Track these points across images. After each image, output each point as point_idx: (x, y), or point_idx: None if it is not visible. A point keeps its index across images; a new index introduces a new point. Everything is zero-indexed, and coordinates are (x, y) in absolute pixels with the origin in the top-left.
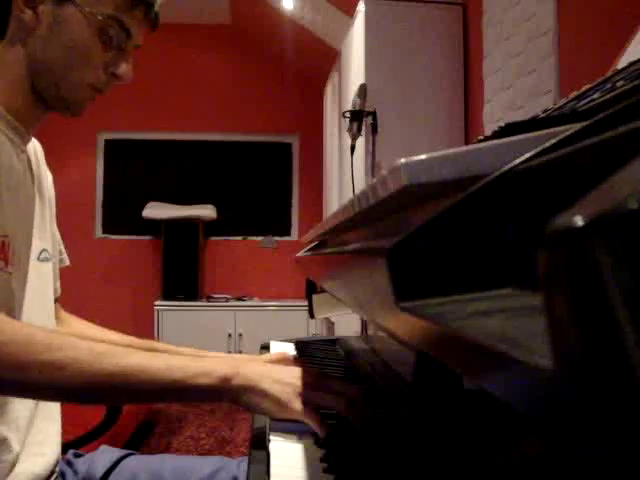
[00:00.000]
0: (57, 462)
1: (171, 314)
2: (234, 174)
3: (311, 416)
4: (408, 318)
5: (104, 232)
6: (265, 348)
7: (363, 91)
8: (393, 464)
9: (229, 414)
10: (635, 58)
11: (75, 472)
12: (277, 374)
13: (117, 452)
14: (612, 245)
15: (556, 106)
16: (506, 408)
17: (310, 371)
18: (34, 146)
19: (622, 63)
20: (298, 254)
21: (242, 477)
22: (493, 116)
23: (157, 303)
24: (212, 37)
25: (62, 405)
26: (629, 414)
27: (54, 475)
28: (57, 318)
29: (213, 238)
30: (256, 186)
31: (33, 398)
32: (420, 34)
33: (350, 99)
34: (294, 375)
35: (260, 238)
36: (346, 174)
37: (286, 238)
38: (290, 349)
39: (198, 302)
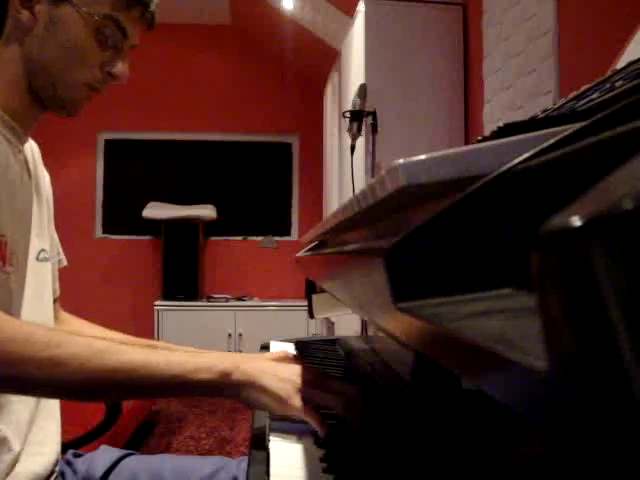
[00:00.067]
0: (57, 462)
1: (171, 314)
2: (234, 174)
3: (311, 414)
4: (406, 318)
5: (104, 232)
6: (265, 348)
7: (363, 91)
8: (393, 464)
9: (229, 414)
10: (635, 58)
11: (75, 472)
12: (277, 371)
13: (117, 452)
14: (606, 246)
15: (555, 106)
16: (504, 408)
17: (310, 369)
18: (31, 146)
19: (622, 63)
20: (298, 254)
21: (242, 477)
22: (493, 116)
23: (157, 303)
24: (212, 37)
25: (61, 404)
26: (624, 414)
27: (54, 475)
28: (57, 318)
29: (213, 238)
30: (256, 186)
31: (33, 395)
32: (420, 34)
33: (350, 99)
34: (294, 372)
35: (260, 238)
36: (346, 174)
37: (286, 238)
38: (290, 349)
39: (198, 302)
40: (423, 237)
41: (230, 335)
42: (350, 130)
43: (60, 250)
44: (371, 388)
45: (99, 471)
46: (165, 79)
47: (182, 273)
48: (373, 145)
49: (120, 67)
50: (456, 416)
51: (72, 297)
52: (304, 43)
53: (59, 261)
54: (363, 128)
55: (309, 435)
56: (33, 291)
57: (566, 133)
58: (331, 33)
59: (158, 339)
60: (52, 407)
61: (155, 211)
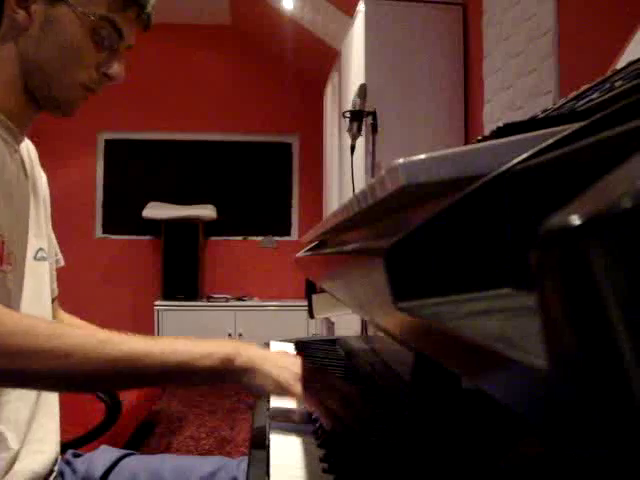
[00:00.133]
0: (56, 460)
1: (171, 314)
2: (234, 174)
3: (311, 401)
4: (406, 318)
5: (104, 232)
6: None
7: (363, 91)
8: (393, 464)
9: (229, 414)
10: (635, 58)
11: (74, 472)
12: (278, 358)
13: (117, 452)
14: (605, 244)
15: (555, 106)
16: (504, 408)
17: (310, 366)
18: (27, 146)
19: (622, 63)
20: (298, 254)
21: (242, 477)
22: (493, 116)
23: (157, 303)
24: (212, 37)
25: (61, 403)
26: (623, 413)
27: (53, 474)
28: (56, 318)
29: (213, 238)
30: (256, 186)
31: (35, 388)
32: (420, 34)
33: (350, 99)
34: (294, 362)
35: (260, 238)
36: (346, 174)
37: (286, 238)
38: (290, 349)
39: (198, 302)
40: (423, 237)
41: (230, 335)
42: (350, 130)
43: (58, 250)
44: (370, 388)
45: (99, 471)
46: (165, 79)
47: (182, 273)
48: (373, 145)
49: (116, 68)
50: (456, 416)
51: (72, 297)
52: (304, 43)
53: (57, 261)
54: (363, 128)
55: (309, 435)
56: (31, 290)
57: (565, 133)
58: (331, 33)
59: None
60: (52, 405)
61: (155, 211)
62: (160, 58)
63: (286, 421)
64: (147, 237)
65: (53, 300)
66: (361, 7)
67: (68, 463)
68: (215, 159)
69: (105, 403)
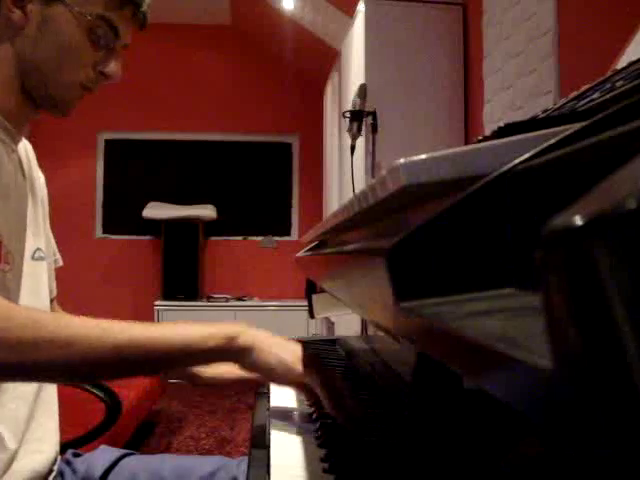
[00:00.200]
0: (56, 459)
1: (171, 314)
2: (234, 174)
3: (312, 378)
4: (407, 318)
5: (104, 232)
6: None
7: (363, 91)
8: (393, 464)
9: (229, 414)
10: (635, 58)
11: (74, 471)
12: (279, 340)
13: (116, 452)
14: (610, 245)
15: (556, 106)
16: (506, 408)
17: (309, 352)
18: (25, 146)
19: (622, 63)
20: (298, 254)
21: (242, 477)
22: (493, 116)
23: (157, 303)
24: (212, 37)
25: (60, 403)
26: (627, 414)
27: (53, 474)
28: None
29: (213, 238)
30: (256, 186)
31: (45, 380)
32: (420, 34)
33: (350, 99)
34: (296, 346)
35: (260, 238)
36: (346, 174)
37: (286, 238)
38: None
39: (198, 302)
40: (424, 237)
41: None
42: (350, 130)
43: (56, 250)
44: (370, 388)
45: (98, 471)
46: (165, 79)
47: (182, 273)
48: (373, 145)
49: (113, 66)
50: (457, 416)
51: (72, 297)
52: (304, 43)
53: (55, 261)
54: (363, 128)
55: (310, 435)
56: (29, 290)
57: (567, 133)
58: (331, 33)
59: None
60: (50, 404)
61: (155, 211)
62: (160, 58)
63: (286, 421)
64: (147, 237)
65: (52, 300)
66: (361, 7)
67: (68, 463)
68: (215, 159)
69: (105, 403)
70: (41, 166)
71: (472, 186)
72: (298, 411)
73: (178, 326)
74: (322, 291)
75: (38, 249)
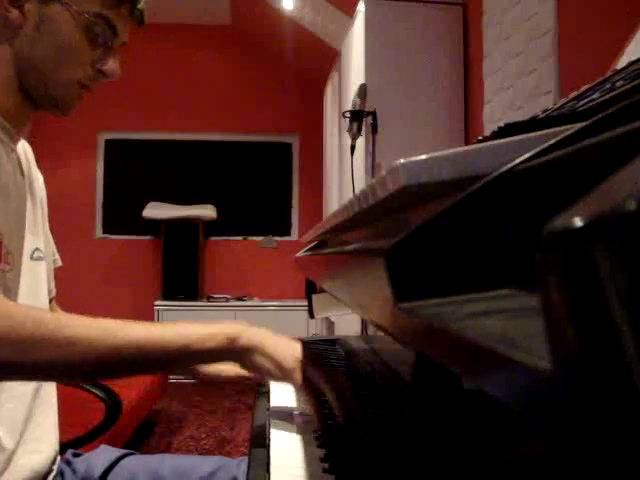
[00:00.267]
0: (55, 459)
1: (171, 314)
2: (234, 174)
3: (308, 392)
4: (407, 318)
5: (104, 232)
6: None
7: (363, 91)
8: (393, 464)
9: (229, 414)
10: (635, 58)
11: (74, 471)
12: (280, 341)
13: (116, 452)
14: (610, 246)
15: (555, 106)
16: (505, 408)
17: (310, 352)
18: (23, 147)
19: (622, 63)
20: (298, 254)
21: (242, 477)
22: (493, 116)
23: (157, 303)
24: (212, 37)
25: (60, 403)
26: (627, 415)
27: (53, 473)
28: None
29: (213, 238)
30: (256, 186)
31: (44, 379)
32: (420, 34)
33: (350, 99)
34: (296, 347)
35: (260, 238)
36: (346, 174)
37: (286, 238)
38: None
39: (198, 302)
40: (424, 237)
41: None
42: (350, 130)
43: (55, 250)
44: (370, 388)
45: (98, 470)
46: (165, 79)
47: (182, 273)
48: (373, 145)
49: (111, 65)
50: (456, 416)
51: (72, 297)
52: (304, 43)
53: (54, 261)
54: (363, 128)
55: (309, 435)
56: (28, 290)
57: (567, 133)
58: (331, 33)
59: None
60: (49, 404)
61: (155, 211)
62: (160, 58)
63: (286, 421)
64: (147, 237)
65: (51, 300)
66: (361, 7)
67: (68, 463)
68: (215, 159)
69: (105, 403)
70: (41, 166)
71: (472, 186)
72: (298, 411)
73: (179, 326)
74: (322, 291)
75: (37, 249)
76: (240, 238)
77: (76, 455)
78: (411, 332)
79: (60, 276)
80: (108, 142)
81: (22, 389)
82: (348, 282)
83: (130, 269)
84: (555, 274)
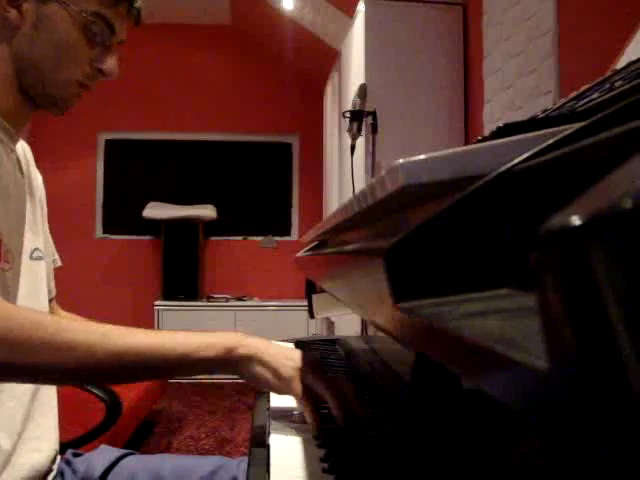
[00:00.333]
0: (55, 458)
1: (171, 314)
2: (234, 174)
3: (307, 402)
4: (406, 318)
5: (104, 232)
6: None
7: (363, 91)
8: (393, 464)
9: (229, 414)
10: (635, 58)
11: (74, 471)
12: (279, 348)
13: (116, 452)
14: (606, 245)
15: (555, 106)
16: (505, 408)
17: (309, 359)
18: (23, 146)
19: (622, 63)
20: (298, 254)
21: (242, 477)
22: (493, 116)
23: (157, 303)
24: (212, 37)
25: (60, 402)
26: (623, 414)
27: (53, 473)
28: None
29: (213, 238)
30: (256, 186)
31: (41, 382)
32: (420, 34)
33: (350, 99)
34: (295, 354)
35: (260, 238)
36: (346, 174)
37: (286, 238)
38: None
39: (198, 302)
40: (423, 237)
41: None
42: (350, 130)
43: (54, 250)
44: (370, 388)
45: (98, 470)
46: (165, 79)
47: (182, 273)
48: (373, 145)
49: (109, 63)
50: (456, 416)
51: (72, 297)
52: (304, 43)
53: (54, 261)
54: (363, 128)
55: (309, 435)
56: (27, 289)
57: (565, 133)
58: (331, 33)
59: None
60: (49, 404)
61: (155, 211)
62: (160, 58)
63: (286, 421)
64: (147, 237)
65: (51, 300)
66: (361, 7)
67: (68, 463)
68: (215, 159)
69: (105, 403)
70: (41, 166)
71: (471, 186)
72: (298, 411)
73: (178, 335)
74: (322, 291)
75: (36, 249)
76: (240, 238)
77: (76, 455)
78: (410, 332)
79: (60, 276)
80: (108, 142)
81: (21, 389)
82: (348, 282)
83: (130, 269)
84: (551, 273)
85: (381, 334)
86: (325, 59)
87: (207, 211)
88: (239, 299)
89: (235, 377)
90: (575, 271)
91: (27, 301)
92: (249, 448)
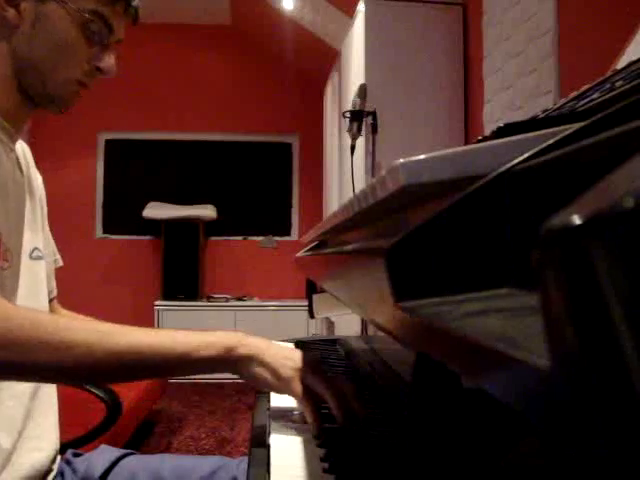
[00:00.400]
0: (55, 458)
1: (171, 314)
2: (234, 174)
3: (307, 402)
4: (407, 318)
5: (104, 232)
6: None
7: (363, 91)
8: (393, 464)
9: (229, 414)
10: (635, 58)
11: (74, 471)
12: (279, 348)
13: (116, 452)
14: (607, 244)
15: (555, 106)
16: (505, 408)
17: (309, 359)
18: (22, 146)
19: (622, 63)
20: (298, 254)
21: (242, 477)
22: (493, 116)
23: (157, 303)
24: (212, 37)
25: (60, 402)
26: (625, 413)
27: (53, 473)
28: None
29: (213, 238)
30: (256, 186)
31: (41, 380)
32: (420, 34)
33: (350, 99)
34: (295, 354)
35: (260, 238)
36: (346, 174)
37: (286, 238)
38: None
39: (198, 302)
40: (423, 237)
41: None
42: (350, 130)
43: (55, 250)
44: (370, 388)
45: (98, 470)
46: (165, 79)
47: (182, 273)
48: (373, 145)
49: (108, 61)
50: (456, 416)
51: (72, 297)
52: (304, 43)
53: (55, 261)
54: (363, 128)
55: (309, 435)
56: (27, 289)
57: (566, 133)
58: (331, 33)
59: None
60: (49, 403)
61: (155, 211)
62: (160, 58)
63: (286, 421)
64: (147, 237)
65: (51, 300)
66: (361, 7)
67: (68, 463)
68: (215, 159)
69: (105, 403)
70: (41, 167)
71: (471, 186)
72: (298, 411)
73: (178, 334)
74: (322, 291)
75: (36, 248)
76: (240, 238)
77: (76, 455)
78: (411, 331)
79: (60, 276)
80: (108, 142)
81: (21, 388)
82: (348, 282)
83: (130, 269)
84: (553, 271)
85: (381, 334)
86: (325, 59)
87: (207, 211)
88: (239, 299)
89: (235, 377)
90: (576, 270)
91: (27, 300)
92: (249, 448)
